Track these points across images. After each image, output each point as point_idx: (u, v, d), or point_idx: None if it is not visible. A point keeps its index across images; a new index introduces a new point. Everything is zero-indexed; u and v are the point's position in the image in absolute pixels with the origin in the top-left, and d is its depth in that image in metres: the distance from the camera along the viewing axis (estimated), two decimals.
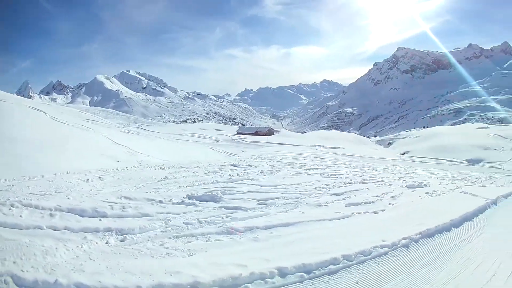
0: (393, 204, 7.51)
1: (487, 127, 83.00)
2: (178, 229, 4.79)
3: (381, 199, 7.96)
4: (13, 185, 6.89)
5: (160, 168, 11.29)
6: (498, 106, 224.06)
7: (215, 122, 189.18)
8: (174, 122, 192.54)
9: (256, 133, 60.91)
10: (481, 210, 7.47)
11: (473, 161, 43.49)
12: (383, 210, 6.91)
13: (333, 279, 3.71)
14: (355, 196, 8.23)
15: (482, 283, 3.98)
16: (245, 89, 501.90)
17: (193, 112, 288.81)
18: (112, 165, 11.58)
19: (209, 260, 3.69)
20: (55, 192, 6.62)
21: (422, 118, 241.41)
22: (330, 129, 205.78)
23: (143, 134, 34.93)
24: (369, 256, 4.29)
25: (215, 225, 5.07)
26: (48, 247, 3.72)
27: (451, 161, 41.59)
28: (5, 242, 3.71)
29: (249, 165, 12.75)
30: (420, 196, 8.89)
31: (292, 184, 9.05)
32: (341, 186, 9.38)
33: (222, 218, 5.45)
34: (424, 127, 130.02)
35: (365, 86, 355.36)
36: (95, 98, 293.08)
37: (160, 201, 6.30)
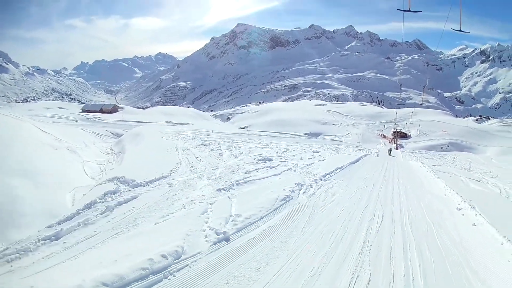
0: (324, 158, 18.53)
1: (325, 104, 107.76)
2: None
3: (314, 157, 18.62)
4: None
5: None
6: (335, 84, 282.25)
7: (52, 100, 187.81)
8: (16, 101, 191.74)
9: (101, 111, 64.81)
10: (359, 159, 20.08)
11: (313, 135, 56.57)
12: (324, 159, 17.75)
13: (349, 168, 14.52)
14: (302, 157, 18.22)
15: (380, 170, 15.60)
16: (81, 62, 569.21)
17: (33, 90, 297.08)
18: None
19: None
20: None
21: (256, 93, 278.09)
22: (164, 104, 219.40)
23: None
24: (345, 166, 15.21)
25: None
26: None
27: (293, 134, 52.02)
28: None
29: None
30: (327, 155, 20.32)
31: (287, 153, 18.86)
32: (285, 152, 19.80)
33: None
34: (260, 102, 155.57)
35: (200, 60, 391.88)
36: None
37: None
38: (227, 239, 5.90)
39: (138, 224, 6.45)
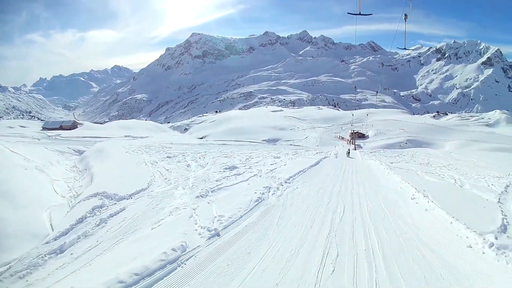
0: (285, 163, 20.04)
1: (281, 110, 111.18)
2: None
3: (276, 163, 20.09)
4: None
5: None
6: (290, 89, 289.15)
7: (14, 118, 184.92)
8: None
9: (61, 128, 65.12)
10: (319, 161, 21.94)
11: (271, 141, 59.18)
12: (286, 164, 19.27)
13: (310, 170, 16.15)
14: (264, 163, 19.67)
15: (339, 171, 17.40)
16: (40, 78, 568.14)
17: None
18: None
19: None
20: None
21: (212, 102, 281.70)
22: (121, 118, 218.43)
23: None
24: (306, 169, 16.90)
25: None
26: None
27: (252, 142, 54.58)
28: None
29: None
30: (288, 160, 21.91)
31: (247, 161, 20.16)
32: (248, 160, 21.22)
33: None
34: (216, 111, 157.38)
35: (156, 72, 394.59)
36: None
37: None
38: (218, 234, 7.10)
39: (135, 231, 7.41)
